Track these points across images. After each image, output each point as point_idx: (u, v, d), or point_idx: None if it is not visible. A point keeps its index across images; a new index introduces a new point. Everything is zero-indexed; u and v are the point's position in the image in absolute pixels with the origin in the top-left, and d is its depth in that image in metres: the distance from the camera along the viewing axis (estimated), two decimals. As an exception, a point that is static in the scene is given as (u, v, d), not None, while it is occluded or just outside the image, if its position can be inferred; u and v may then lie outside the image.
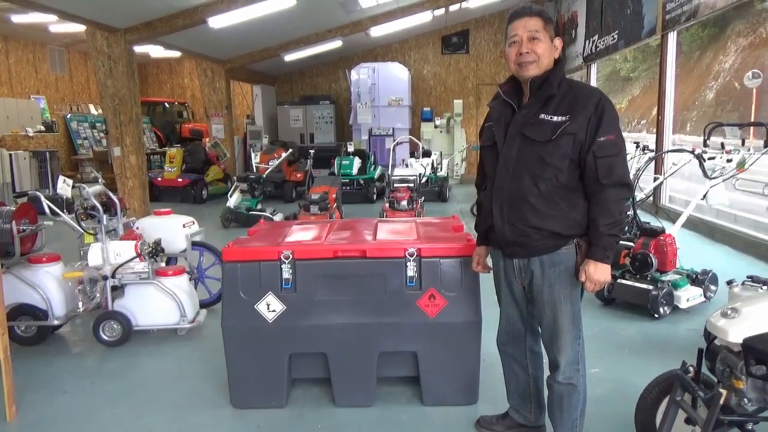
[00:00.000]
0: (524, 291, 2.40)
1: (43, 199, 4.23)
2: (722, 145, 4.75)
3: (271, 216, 7.98)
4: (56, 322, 3.93)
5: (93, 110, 15.66)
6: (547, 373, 2.46)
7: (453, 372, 2.95)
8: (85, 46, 13.83)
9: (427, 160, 10.67)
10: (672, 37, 8.29)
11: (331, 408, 3.02)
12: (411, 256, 2.83)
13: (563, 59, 2.29)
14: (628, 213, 4.64)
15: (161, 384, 3.40)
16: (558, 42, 2.25)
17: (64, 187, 4.43)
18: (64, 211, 4.37)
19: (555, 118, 2.17)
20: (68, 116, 14.50)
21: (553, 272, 2.27)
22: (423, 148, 11.28)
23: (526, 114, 2.24)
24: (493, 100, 2.42)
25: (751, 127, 5.64)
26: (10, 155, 10.16)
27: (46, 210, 4.19)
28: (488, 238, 2.49)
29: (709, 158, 4.65)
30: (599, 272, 2.19)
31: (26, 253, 3.94)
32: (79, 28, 9.37)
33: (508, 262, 2.39)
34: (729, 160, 4.59)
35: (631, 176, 4.11)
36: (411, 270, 2.84)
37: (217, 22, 8.66)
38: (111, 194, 4.60)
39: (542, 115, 2.20)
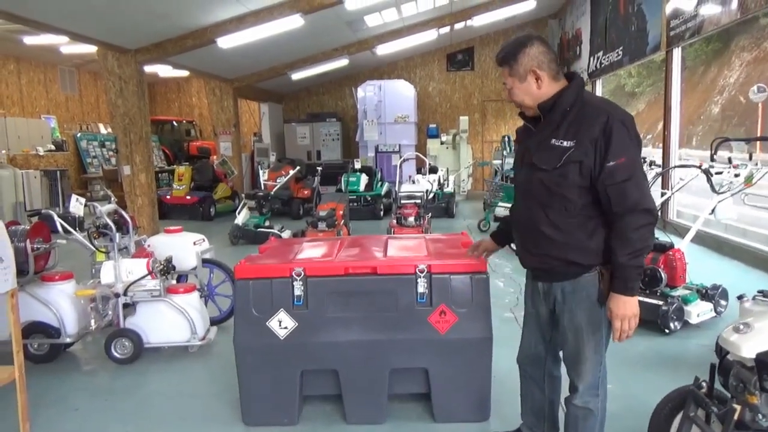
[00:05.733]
0: (550, 314, 2.33)
1: (56, 217, 4.28)
2: (729, 160, 4.75)
3: (279, 233, 8.02)
4: (68, 340, 3.96)
5: (102, 129, 15.84)
6: (565, 394, 2.38)
7: (464, 388, 2.95)
8: (95, 66, 14.06)
9: (433, 177, 10.71)
10: (677, 53, 8.34)
11: (343, 425, 3.02)
12: (421, 272, 2.85)
13: (576, 77, 2.13)
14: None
15: (172, 401, 3.41)
16: (541, 71, 2.06)
17: (77, 205, 4.47)
18: (77, 229, 4.41)
19: (564, 143, 2.05)
20: (78, 135, 14.66)
21: (575, 299, 2.17)
22: (429, 164, 11.33)
23: (539, 139, 2.15)
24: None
25: (758, 142, 5.66)
26: (22, 174, 10.26)
27: (59, 228, 4.24)
28: (502, 242, 2.59)
29: (717, 173, 4.66)
30: (621, 305, 2.04)
31: (39, 271, 3.98)
32: (89, 49, 9.54)
33: (535, 283, 2.35)
34: (737, 175, 4.60)
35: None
36: (422, 286, 2.85)
37: (226, 42, 8.79)
38: (123, 212, 4.65)
39: (553, 140, 2.08)
